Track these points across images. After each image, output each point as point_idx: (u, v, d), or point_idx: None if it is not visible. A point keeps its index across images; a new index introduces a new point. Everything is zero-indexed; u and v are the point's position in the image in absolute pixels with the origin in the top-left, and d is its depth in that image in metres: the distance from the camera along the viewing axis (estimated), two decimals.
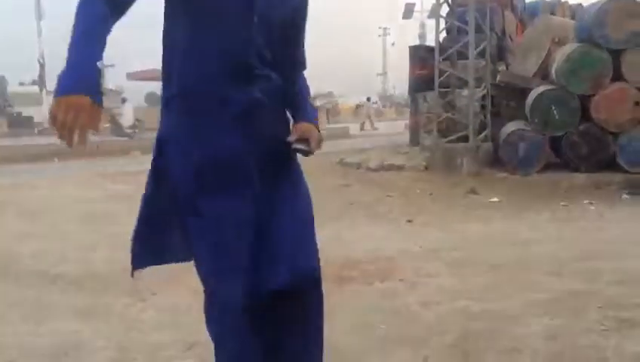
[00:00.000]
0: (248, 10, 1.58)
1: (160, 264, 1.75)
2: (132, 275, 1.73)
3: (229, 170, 1.58)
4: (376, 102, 39.31)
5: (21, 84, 40.26)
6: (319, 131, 1.80)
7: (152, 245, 1.70)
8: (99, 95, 1.44)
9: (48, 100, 31.75)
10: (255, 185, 1.61)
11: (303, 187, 1.77)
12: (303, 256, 1.67)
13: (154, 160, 1.66)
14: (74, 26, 1.49)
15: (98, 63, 1.46)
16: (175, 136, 1.61)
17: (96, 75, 1.46)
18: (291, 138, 1.73)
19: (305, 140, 1.73)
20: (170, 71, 1.63)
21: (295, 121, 1.78)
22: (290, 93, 1.75)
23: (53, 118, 1.40)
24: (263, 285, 1.60)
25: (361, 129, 26.74)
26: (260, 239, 1.60)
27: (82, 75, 1.43)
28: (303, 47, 1.80)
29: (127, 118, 21.48)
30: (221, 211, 1.58)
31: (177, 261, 1.77)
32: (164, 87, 1.64)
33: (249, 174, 1.60)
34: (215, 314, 1.64)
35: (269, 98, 1.65)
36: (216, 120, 1.58)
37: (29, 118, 31.05)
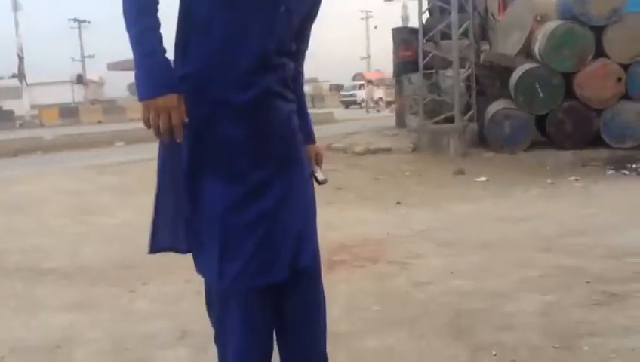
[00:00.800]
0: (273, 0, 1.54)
1: (169, 250, 1.68)
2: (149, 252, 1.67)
3: (232, 156, 1.54)
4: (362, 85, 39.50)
5: (0, 78, 39.72)
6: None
7: (161, 229, 1.65)
8: (178, 85, 1.46)
9: (29, 93, 31.45)
10: (260, 173, 1.57)
11: (308, 173, 1.75)
12: (304, 250, 1.64)
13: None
14: (128, 19, 1.47)
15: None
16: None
17: (170, 67, 1.47)
18: (316, 169, 1.81)
19: (317, 164, 1.86)
20: (185, 46, 1.56)
21: (305, 137, 1.81)
22: (294, 82, 1.75)
23: (145, 122, 1.44)
24: (263, 275, 1.57)
25: (367, 111, 26.92)
26: (265, 226, 1.56)
27: (159, 73, 1.45)
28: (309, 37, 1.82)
29: None
30: (222, 194, 1.54)
31: (181, 251, 1.68)
32: (177, 63, 1.57)
33: (253, 162, 1.56)
34: (216, 297, 1.61)
35: (283, 87, 1.63)
36: (226, 106, 1.53)
37: (10, 112, 30.67)
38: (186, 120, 1.48)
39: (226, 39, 1.52)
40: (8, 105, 31.96)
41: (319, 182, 1.82)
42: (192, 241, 1.61)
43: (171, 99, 1.43)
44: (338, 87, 33.20)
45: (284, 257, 1.59)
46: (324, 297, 1.75)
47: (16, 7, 31.14)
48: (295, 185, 1.64)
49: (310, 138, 1.86)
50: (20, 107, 30.67)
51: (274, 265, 1.57)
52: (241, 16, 1.52)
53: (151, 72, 1.45)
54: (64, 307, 3.26)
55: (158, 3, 1.50)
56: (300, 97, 1.80)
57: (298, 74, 1.78)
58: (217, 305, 1.62)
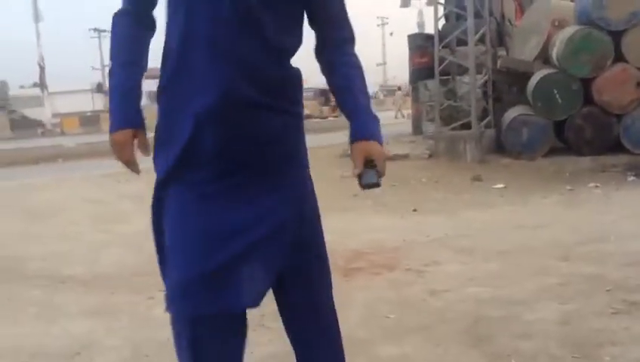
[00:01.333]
0: None
1: None
2: None
3: (198, 167, 1.44)
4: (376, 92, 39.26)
5: (22, 87, 40.37)
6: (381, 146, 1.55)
7: None
8: (138, 121, 1.51)
9: (50, 102, 31.96)
10: (232, 184, 1.46)
11: (307, 187, 1.60)
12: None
13: None
14: (110, 50, 1.54)
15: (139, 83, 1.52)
16: (158, 128, 1.52)
17: (132, 101, 1.50)
18: (355, 171, 1.49)
19: (372, 167, 1.49)
20: (165, 57, 1.51)
21: (352, 134, 1.54)
22: (335, 72, 1.59)
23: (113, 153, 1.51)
24: (210, 304, 1.43)
25: (396, 117, 26.71)
26: (227, 250, 1.43)
27: (119, 108, 1.50)
28: (342, 13, 1.59)
29: None
30: (184, 206, 1.46)
31: None
32: (160, 77, 1.52)
33: (221, 175, 1.45)
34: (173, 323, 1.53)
35: (261, 93, 1.44)
36: (194, 112, 1.42)
37: (33, 120, 31.15)
38: (148, 154, 1.51)
39: (184, 43, 1.44)
40: (30, 113, 32.45)
41: (362, 187, 1.50)
42: (158, 253, 1.56)
43: (124, 135, 1.48)
44: (322, 92, 31.66)
45: (240, 288, 1.43)
46: (329, 332, 1.67)
47: (37, 18, 31.73)
48: (271, 207, 1.48)
49: (356, 135, 1.53)
50: (41, 115, 31.14)
51: (226, 294, 1.42)
52: (193, 16, 1.43)
53: (113, 106, 1.50)
54: (84, 314, 3.30)
55: (145, 35, 1.55)
56: (342, 83, 1.58)
57: (333, 63, 1.59)
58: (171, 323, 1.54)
